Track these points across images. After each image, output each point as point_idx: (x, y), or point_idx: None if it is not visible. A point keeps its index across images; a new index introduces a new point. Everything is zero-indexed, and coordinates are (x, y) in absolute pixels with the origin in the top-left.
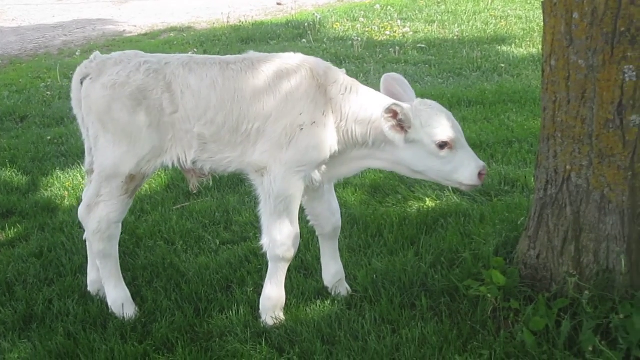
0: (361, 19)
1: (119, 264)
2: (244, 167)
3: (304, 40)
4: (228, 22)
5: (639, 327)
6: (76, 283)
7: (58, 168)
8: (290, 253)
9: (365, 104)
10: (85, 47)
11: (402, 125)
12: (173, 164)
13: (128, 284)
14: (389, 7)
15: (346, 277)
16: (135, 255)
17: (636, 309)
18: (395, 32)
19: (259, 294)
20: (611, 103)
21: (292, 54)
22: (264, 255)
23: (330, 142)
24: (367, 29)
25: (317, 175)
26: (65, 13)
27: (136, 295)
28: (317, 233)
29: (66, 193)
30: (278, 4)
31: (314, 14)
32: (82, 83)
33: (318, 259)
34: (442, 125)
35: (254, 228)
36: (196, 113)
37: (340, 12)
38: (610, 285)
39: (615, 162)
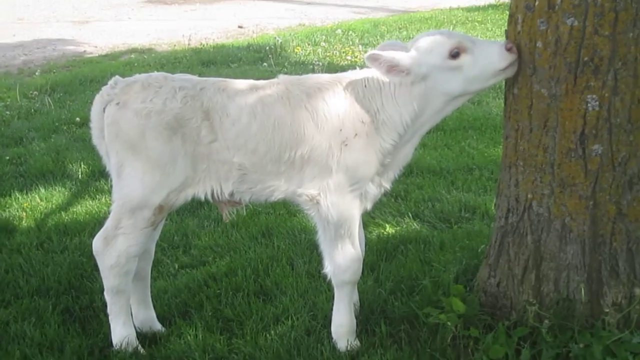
0: (322, 44)
1: (129, 299)
2: (289, 195)
3: (265, 64)
4: (189, 44)
5: (598, 356)
6: (33, 305)
7: (16, 188)
8: (357, 276)
9: (382, 83)
10: (45, 67)
11: (396, 69)
12: (205, 196)
13: (85, 307)
14: (351, 32)
15: (304, 303)
16: (94, 278)
17: (596, 338)
18: (356, 57)
19: (218, 319)
20: (573, 132)
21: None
22: (222, 280)
23: (377, 148)
24: (328, 54)
25: (372, 189)
26: (25, 32)
27: (93, 319)
28: None
29: (24, 214)
30: (239, 26)
31: (275, 38)
32: (104, 111)
33: (277, 284)
34: (441, 40)
35: (213, 252)
36: (236, 142)
37: (302, 36)
38: (570, 314)
39: (577, 192)
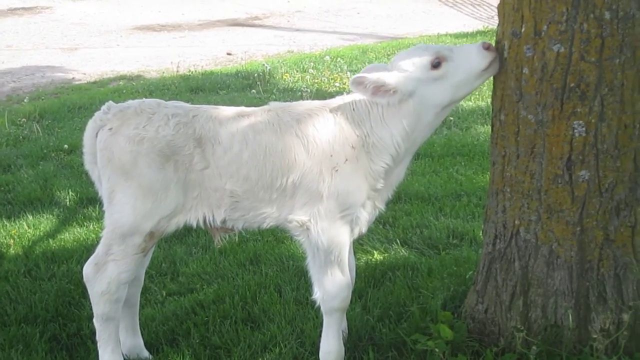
0: (311, 70)
1: (118, 327)
2: (281, 222)
3: (253, 90)
4: (177, 71)
5: None
6: (20, 333)
7: (4, 216)
8: (346, 303)
9: (370, 105)
10: (33, 94)
11: (382, 89)
12: (197, 223)
13: (72, 335)
14: (339, 58)
15: (292, 330)
16: (81, 305)
17: None
18: (344, 83)
19: (205, 346)
20: (560, 158)
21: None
22: (209, 307)
23: (368, 172)
24: (316, 80)
25: (363, 214)
26: (14, 59)
27: (81, 347)
28: None
29: (12, 241)
30: (228, 54)
31: (263, 65)
32: (97, 136)
33: (265, 312)
34: (420, 54)
35: (201, 279)
36: (228, 170)
37: (290, 63)
38: (558, 341)
39: (564, 217)
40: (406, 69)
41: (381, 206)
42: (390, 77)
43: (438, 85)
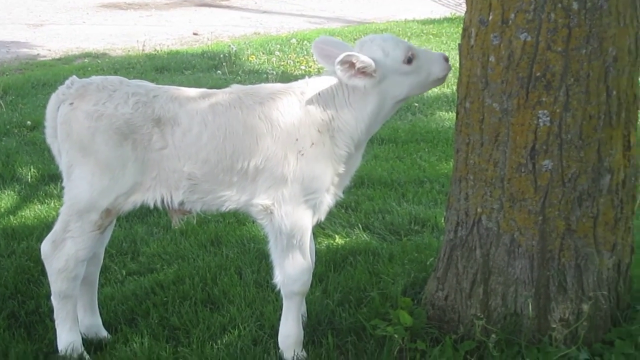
0: (277, 53)
1: (76, 305)
2: (242, 206)
3: (219, 71)
4: (143, 50)
5: None
6: None
7: None
8: (306, 287)
9: (335, 89)
10: None
11: (364, 71)
12: (155, 204)
13: (31, 312)
14: (305, 41)
15: (252, 312)
16: (40, 283)
17: (543, 354)
18: (310, 67)
19: (164, 327)
20: (524, 147)
21: (278, 84)
22: (169, 288)
23: (333, 156)
24: (282, 63)
25: (327, 199)
26: None
27: (39, 324)
28: None
29: None
30: (194, 33)
31: (229, 46)
32: (58, 109)
33: (225, 293)
34: (397, 44)
35: (161, 259)
36: (187, 152)
37: (256, 44)
38: (517, 329)
39: (526, 207)
40: (382, 57)
41: (340, 193)
42: (372, 61)
43: (403, 79)
